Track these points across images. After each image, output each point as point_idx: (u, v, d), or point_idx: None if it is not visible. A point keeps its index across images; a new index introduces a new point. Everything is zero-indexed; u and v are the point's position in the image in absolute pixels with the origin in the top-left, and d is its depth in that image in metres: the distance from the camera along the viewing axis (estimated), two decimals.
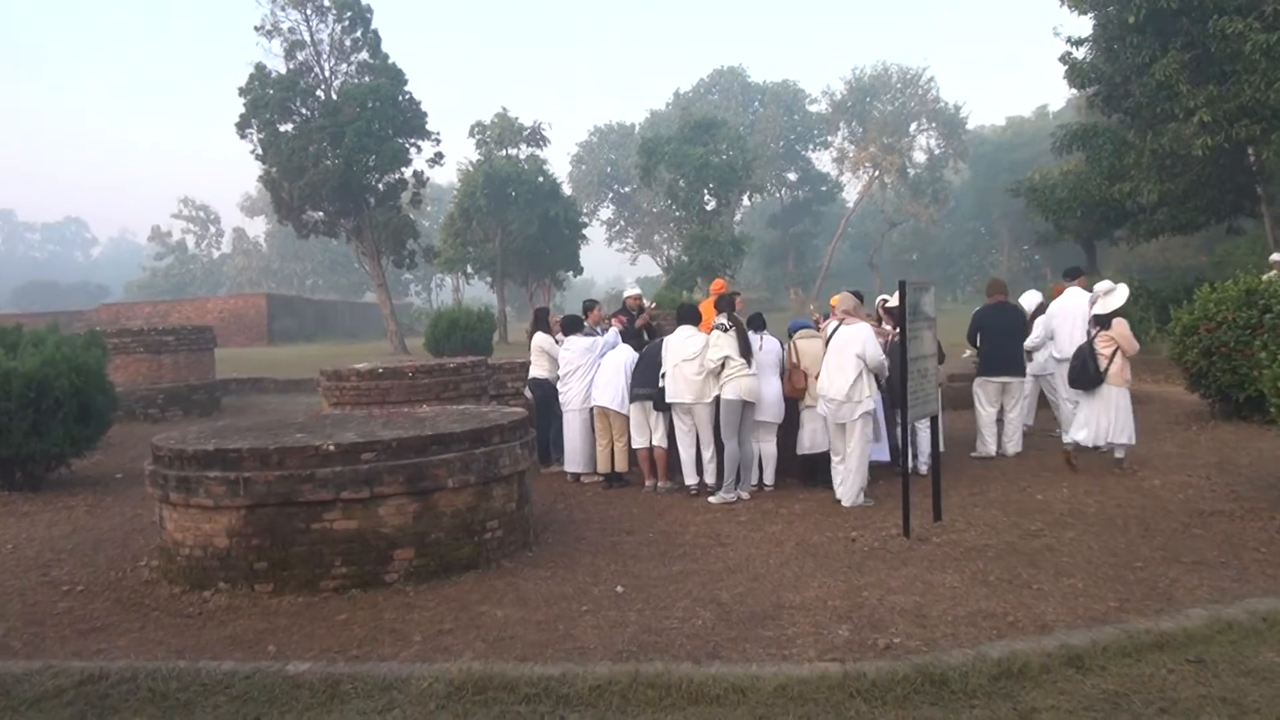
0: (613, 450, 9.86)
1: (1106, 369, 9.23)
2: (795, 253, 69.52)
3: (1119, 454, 9.44)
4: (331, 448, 6.39)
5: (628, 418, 9.65)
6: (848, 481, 8.48)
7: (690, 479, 9.28)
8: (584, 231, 48.03)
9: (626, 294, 12.91)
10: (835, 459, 8.72)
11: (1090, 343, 9.46)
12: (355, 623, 5.75)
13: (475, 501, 6.83)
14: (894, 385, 8.69)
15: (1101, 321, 9.41)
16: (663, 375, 9.21)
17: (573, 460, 10.19)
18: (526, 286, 47.43)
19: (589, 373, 9.98)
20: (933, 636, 5.02)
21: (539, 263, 44.74)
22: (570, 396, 10.10)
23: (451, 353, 22.06)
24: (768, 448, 9.37)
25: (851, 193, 72.48)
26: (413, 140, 33.70)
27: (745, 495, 8.98)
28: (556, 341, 10.75)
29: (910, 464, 8.11)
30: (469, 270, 46.44)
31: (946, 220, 70.75)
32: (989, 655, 4.46)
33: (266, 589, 6.31)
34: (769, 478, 9.35)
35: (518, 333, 40.06)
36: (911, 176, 64.30)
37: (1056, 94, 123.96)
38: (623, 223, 74.33)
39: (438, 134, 34.26)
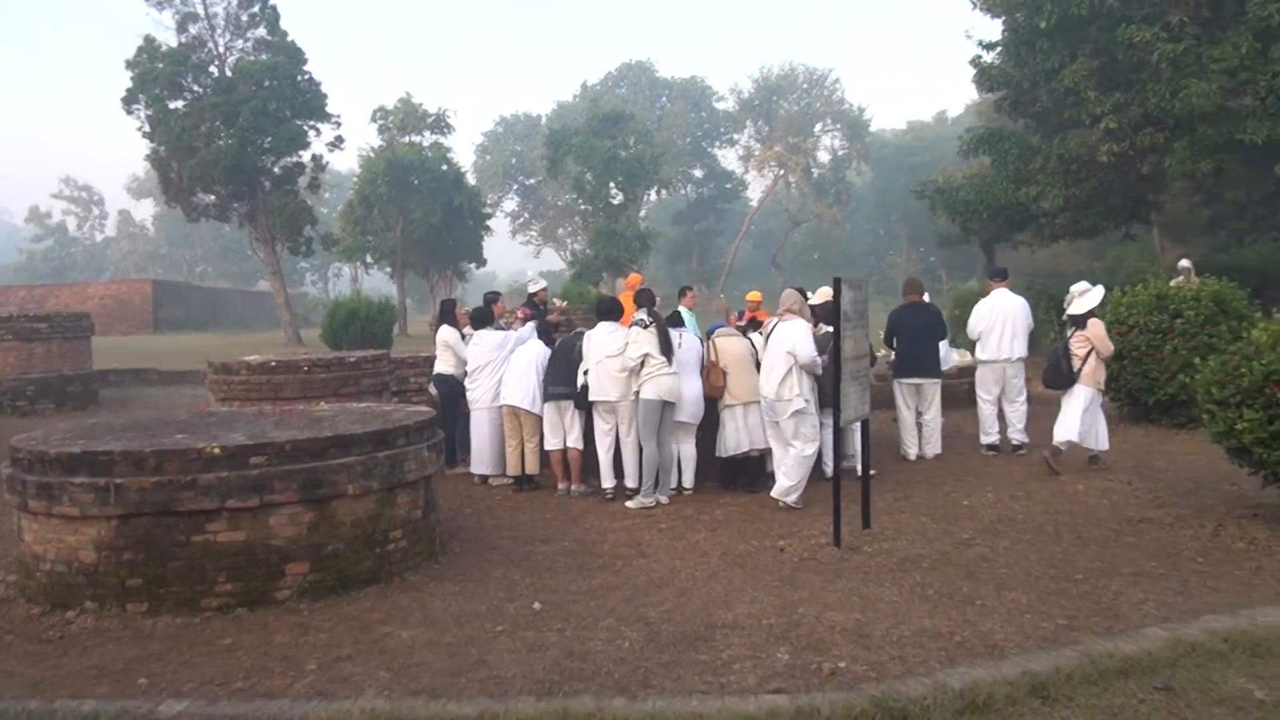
0: (523, 451, 9.33)
1: (1080, 369, 9.11)
2: (699, 250, 69.56)
3: (1062, 447, 9.26)
4: (216, 451, 5.75)
5: (539, 417, 9.14)
6: (781, 481, 8.15)
7: (607, 482, 8.82)
8: (488, 223, 47.19)
9: (533, 288, 12.28)
10: (777, 471, 8.38)
11: (1065, 343, 9.33)
12: (241, 648, 5.15)
13: (378, 510, 6.26)
14: (821, 385, 8.40)
15: (1077, 321, 9.27)
16: (584, 372, 8.74)
17: (480, 461, 9.63)
18: (428, 278, 46.39)
19: (499, 369, 9.44)
20: (879, 660, 4.66)
21: (441, 253, 43.78)
22: (479, 394, 9.53)
23: (349, 345, 21.24)
24: (687, 449, 8.96)
25: (755, 191, 72.96)
26: (311, 122, 32.58)
27: (664, 499, 8.57)
28: (463, 336, 10.19)
29: (839, 466, 7.85)
30: (368, 260, 45.26)
31: (847, 221, 71.64)
32: (949, 685, 4.11)
33: (140, 609, 5.64)
34: (688, 480, 8.94)
35: (418, 325, 39.10)
36: (815, 176, 64.91)
37: (955, 100, 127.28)
38: (527, 215, 73.41)
39: (338, 117, 33.22)
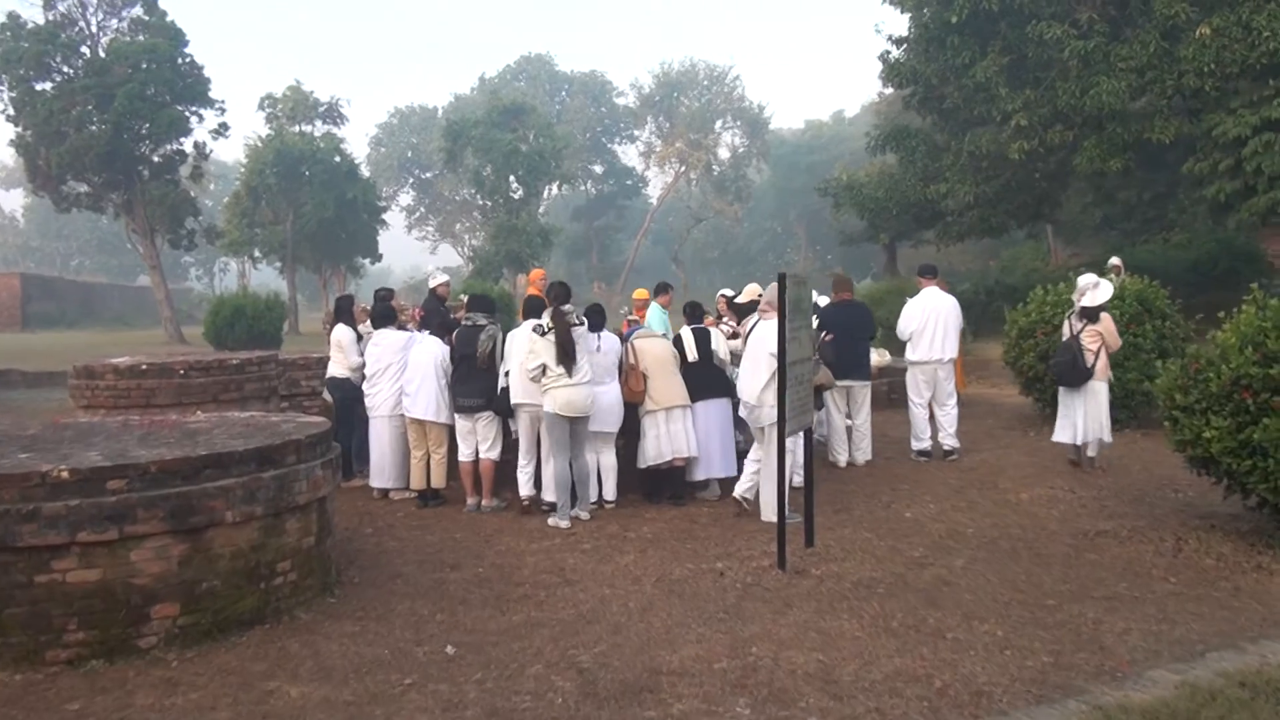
0: (429, 463, 8.50)
1: (1094, 364, 8.72)
2: (600, 246, 68.96)
3: (1091, 452, 9.06)
4: (65, 474, 4.82)
5: (447, 426, 8.33)
6: (762, 492, 7.55)
7: (525, 490, 8.05)
8: (383, 217, 45.74)
9: (433, 282, 11.32)
10: (749, 461, 7.80)
11: (1076, 338, 8.93)
12: (93, 713, 4.27)
13: (262, 539, 5.39)
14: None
15: (1089, 315, 8.89)
16: (505, 373, 7.96)
17: (380, 474, 8.75)
18: (320, 273, 44.68)
19: (401, 372, 8.58)
20: (853, 713, 4.05)
21: (334, 248, 42.21)
22: (379, 400, 8.66)
23: (235, 344, 19.99)
24: (606, 459, 8.24)
25: (656, 188, 72.65)
26: (194, 108, 30.94)
27: (585, 515, 7.84)
28: (360, 336, 9.29)
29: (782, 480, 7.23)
30: (256, 254, 43.41)
31: (746, 218, 71.87)
32: None
33: None
34: (609, 493, 8.22)
35: (311, 323, 37.51)
36: (716, 174, 64.88)
37: (853, 100, 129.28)
38: (423, 210, 71.72)
39: (222, 103, 31.68)
